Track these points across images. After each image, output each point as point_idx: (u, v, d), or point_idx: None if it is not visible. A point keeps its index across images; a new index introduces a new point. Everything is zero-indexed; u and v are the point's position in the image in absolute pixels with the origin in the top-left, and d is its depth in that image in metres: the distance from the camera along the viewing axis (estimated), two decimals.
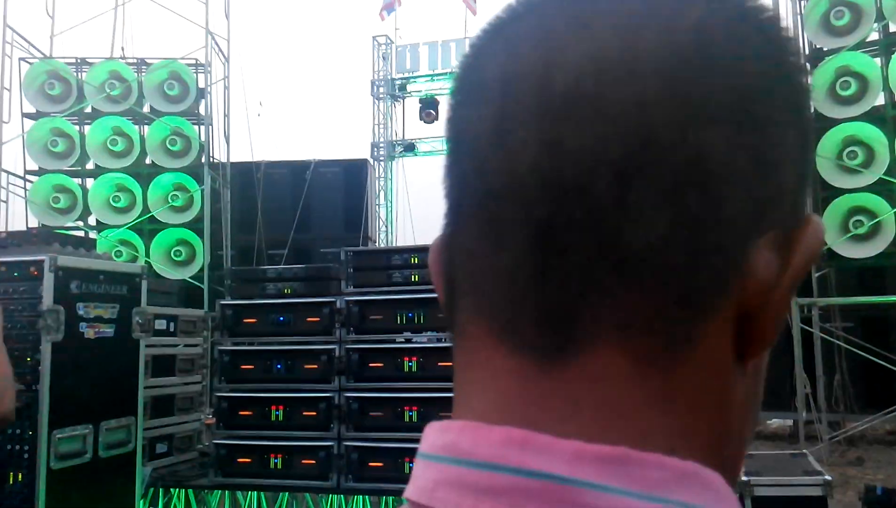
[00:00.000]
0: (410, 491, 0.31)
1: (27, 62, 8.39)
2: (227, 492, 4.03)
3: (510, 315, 0.31)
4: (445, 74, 13.92)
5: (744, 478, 3.92)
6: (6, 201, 8.40)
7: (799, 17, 7.95)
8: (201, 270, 7.93)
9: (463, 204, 0.33)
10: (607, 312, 0.29)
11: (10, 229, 7.96)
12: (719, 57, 0.30)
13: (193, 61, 8.42)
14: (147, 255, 7.79)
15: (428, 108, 13.31)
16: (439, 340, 3.62)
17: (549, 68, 0.30)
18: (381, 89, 12.59)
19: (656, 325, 0.29)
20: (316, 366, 3.53)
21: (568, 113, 0.29)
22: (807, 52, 8.04)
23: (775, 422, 9.63)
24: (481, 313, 0.32)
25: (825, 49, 7.82)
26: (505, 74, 0.31)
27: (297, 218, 8.93)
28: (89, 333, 2.88)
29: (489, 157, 0.31)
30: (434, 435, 0.32)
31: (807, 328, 7.64)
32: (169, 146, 8.06)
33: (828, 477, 3.80)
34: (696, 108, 0.29)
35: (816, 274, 7.80)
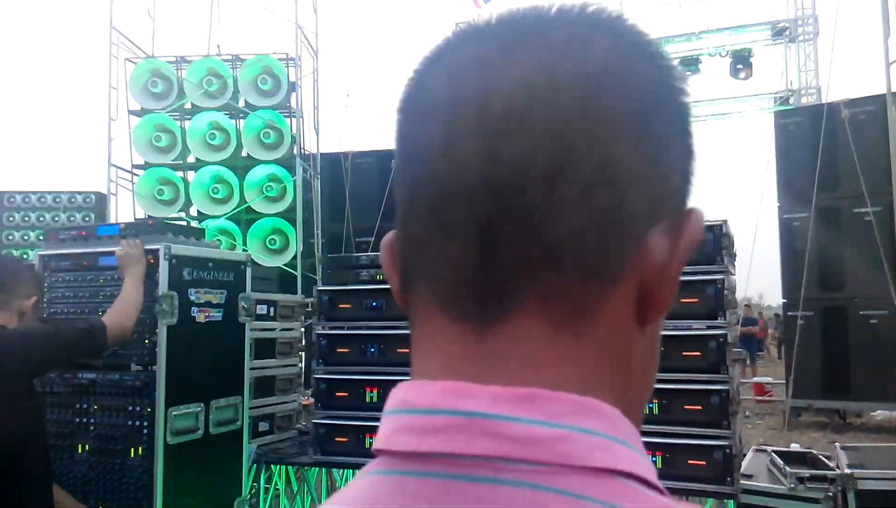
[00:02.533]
0: (376, 442, 0.39)
1: (132, 62, 8.86)
2: (324, 470, 4.19)
3: (456, 293, 0.37)
4: None
5: (847, 471, 3.76)
6: (115, 194, 8.94)
7: None
8: (294, 257, 8.22)
9: (415, 205, 0.39)
10: (533, 286, 0.36)
11: (117, 219, 8.49)
12: (620, 84, 0.37)
13: (284, 55, 8.68)
14: (244, 243, 8.13)
15: None
16: None
17: (486, 91, 0.37)
18: None
19: (571, 295, 0.36)
20: (407, 350, 3.58)
21: (504, 129, 0.36)
22: None
23: (881, 414, 9.13)
24: (433, 294, 0.39)
25: None
26: (450, 97, 0.38)
27: (382, 206, 9.10)
28: (200, 317, 3.05)
29: (440, 165, 0.37)
30: (392, 396, 0.39)
31: None
32: (263, 139, 8.36)
33: None
34: (605, 124, 0.36)
35: None
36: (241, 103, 8.48)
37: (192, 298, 3.01)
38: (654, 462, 3.30)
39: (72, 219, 8.46)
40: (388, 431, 0.38)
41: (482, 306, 0.37)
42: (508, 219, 0.36)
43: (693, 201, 0.41)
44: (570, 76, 0.36)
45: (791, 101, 12.47)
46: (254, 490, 4.07)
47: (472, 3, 12.77)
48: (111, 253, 2.89)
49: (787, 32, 12.64)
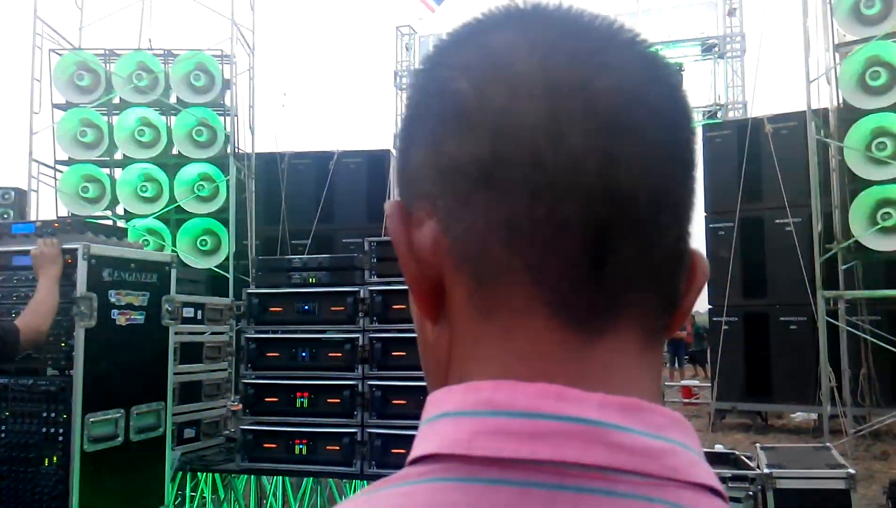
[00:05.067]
0: (436, 446, 0.35)
1: (57, 53, 8.52)
2: (252, 477, 4.10)
3: (569, 293, 0.36)
4: None
5: (766, 470, 3.90)
6: (37, 191, 8.57)
7: (829, 4, 7.82)
8: (226, 259, 8.03)
9: (502, 184, 0.36)
10: (638, 301, 0.37)
11: (40, 217, 8.12)
12: (687, 117, 0.40)
13: (219, 52, 8.49)
14: (174, 244, 7.90)
15: None
16: None
17: (591, 89, 0.36)
18: (404, 80, 12.61)
19: (659, 315, 0.38)
20: (340, 354, 3.57)
21: (617, 134, 0.36)
22: (835, 41, 7.91)
23: (800, 416, 9.54)
24: (538, 289, 0.36)
25: (855, 38, 7.69)
26: (546, 78, 0.36)
27: (320, 209, 8.99)
28: (121, 320, 2.94)
29: (546, 151, 0.35)
30: (460, 396, 0.36)
31: (832, 321, 7.55)
32: (195, 137, 8.15)
33: (851, 471, 3.77)
34: (681, 154, 0.39)
35: (843, 267, 7.70)
36: (173, 99, 8.26)
37: (113, 300, 2.90)
38: None
39: None
40: (467, 433, 0.34)
41: (594, 312, 0.36)
42: (625, 229, 0.36)
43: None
44: (657, 100, 0.38)
45: (719, 115, 12.93)
46: (178, 501, 3.94)
47: (425, 7, 12.78)
48: (26, 252, 2.75)
49: (717, 49, 13.11)
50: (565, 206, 0.35)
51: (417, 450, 0.36)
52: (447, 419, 0.35)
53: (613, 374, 0.36)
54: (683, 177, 0.38)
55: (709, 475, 0.35)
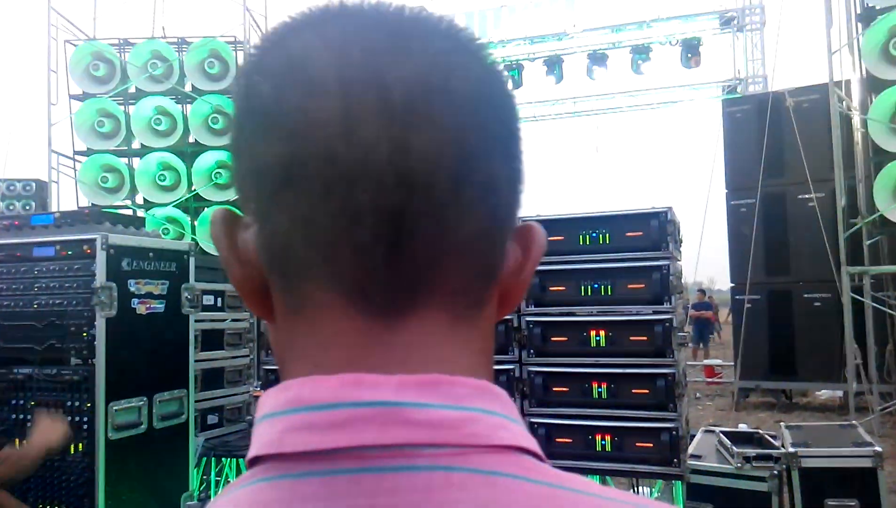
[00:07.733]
0: (257, 449, 0.36)
1: (72, 44, 8.55)
2: None
3: (365, 282, 0.36)
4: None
5: (791, 449, 3.86)
6: (57, 182, 8.64)
7: None
8: None
9: (300, 183, 0.36)
10: (441, 282, 0.37)
11: (60, 208, 8.20)
12: (496, 101, 0.40)
13: (232, 39, 8.47)
14: (193, 232, 7.95)
15: None
16: None
17: (384, 78, 0.36)
18: None
19: (469, 291, 0.39)
20: None
21: (410, 121, 0.36)
22: (858, 10, 7.73)
23: (825, 394, 9.44)
24: (335, 281, 0.37)
25: (878, 7, 7.50)
26: (339, 74, 0.37)
27: None
28: (141, 309, 2.96)
29: (339, 145, 0.35)
30: (274, 397, 0.37)
31: (858, 297, 7.44)
32: (211, 124, 8.16)
33: (878, 448, 3.72)
34: (491, 135, 0.39)
35: (868, 242, 7.57)
36: (188, 88, 8.26)
37: (132, 289, 2.92)
38: (604, 445, 3.35)
39: (11, 208, 8.15)
40: (278, 433, 0.35)
41: (392, 297, 0.37)
42: (420, 213, 0.36)
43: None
44: (460, 84, 0.38)
45: (738, 89, 12.71)
46: (203, 486, 3.99)
47: None
48: (46, 243, 2.78)
49: (735, 22, 12.87)
50: (357, 197, 0.35)
51: (249, 454, 0.38)
52: (266, 420, 0.37)
53: (418, 354, 0.37)
54: (495, 153, 0.39)
55: (516, 436, 0.37)
